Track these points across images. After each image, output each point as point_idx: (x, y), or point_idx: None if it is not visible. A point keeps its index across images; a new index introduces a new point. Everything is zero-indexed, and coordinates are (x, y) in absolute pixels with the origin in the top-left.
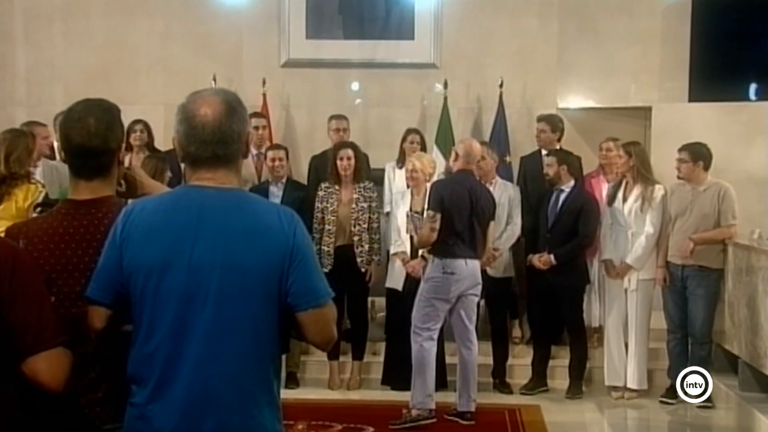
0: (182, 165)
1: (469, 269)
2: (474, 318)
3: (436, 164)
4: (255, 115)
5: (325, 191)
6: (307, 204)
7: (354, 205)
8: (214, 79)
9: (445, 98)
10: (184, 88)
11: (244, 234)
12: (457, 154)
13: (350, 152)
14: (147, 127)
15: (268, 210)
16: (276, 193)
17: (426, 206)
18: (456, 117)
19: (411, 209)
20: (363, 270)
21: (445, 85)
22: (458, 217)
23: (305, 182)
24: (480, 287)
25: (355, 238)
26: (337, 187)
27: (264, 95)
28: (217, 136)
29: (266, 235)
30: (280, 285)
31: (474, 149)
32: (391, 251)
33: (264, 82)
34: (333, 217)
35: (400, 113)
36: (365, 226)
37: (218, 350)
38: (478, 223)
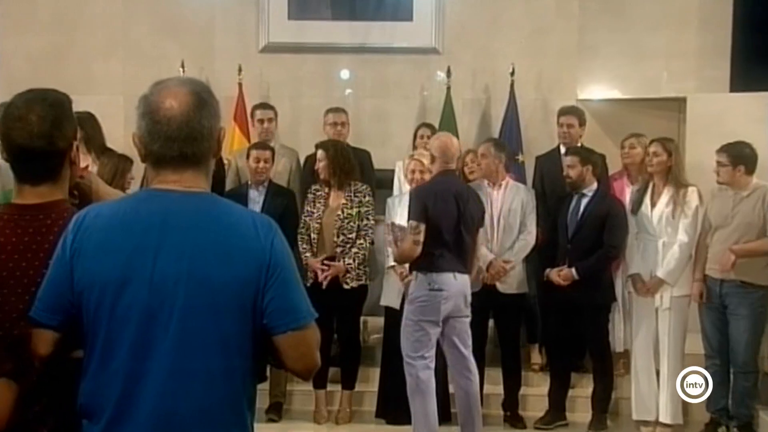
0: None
1: (458, 285)
2: (469, 342)
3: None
4: (261, 106)
5: (313, 194)
6: (291, 211)
7: (340, 212)
8: (183, 66)
9: (448, 88)
10: (147, 76)
11: (214, 245)
12: (433, 156)
13: (320, 153)
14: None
15: (241, 218)
16: (256, 198)
17: (407, 216)
18: (461, 110)
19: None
20: (347, 287)
21: (449, 73)
22: (445, 225)
23: (287, 186)
24: (469, 306)
25: (338, 250)
26: (326, 191)
27: (240, 85)
28: (185, 132)
29: (239, 247)
30: (255, 304)
31: (451, 147)
32: (386, 264)
33: (240, 70)
34: (317, 225)
35: (396, 105)
36: (352, 236)
37: (184, 377)
38: (467, 231)
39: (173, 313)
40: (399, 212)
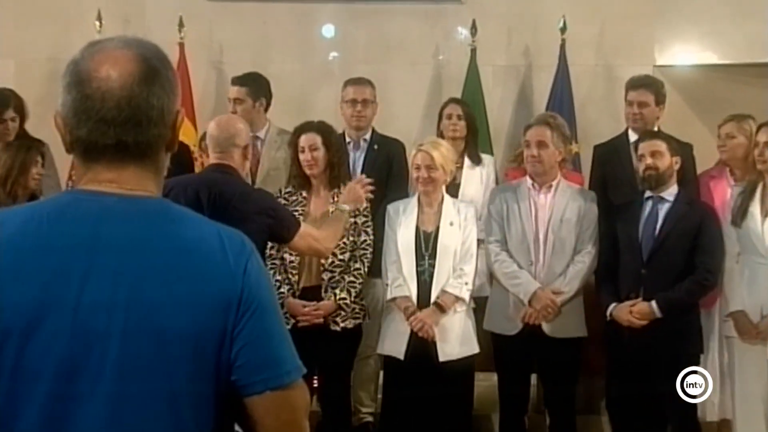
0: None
1: None
2: None
3: (455, 156)
4: (237, 81)
5: (285, 200)
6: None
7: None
8: (99, 20)
9: (473, 51)
10: (48, 35)
11: (164, 272)
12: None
13: (315, 139)
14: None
15: (204, 234)
16: None
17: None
18: (490, 80)
19: (419, 229)
20: (336, 329)
21: (473, 31)
22: None
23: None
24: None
25: (325, 276)
26: (303, 194)
27: (180, 45)
28: (126, 112)
29: (200, 275)
30: (221, 353)
31: (228, 130)
32: (387, 296)
33: (180, 24)
34: None
35: (400, 75)
36: (344, 257)
37: None
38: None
39: (104, 366)
40: (403, 222)
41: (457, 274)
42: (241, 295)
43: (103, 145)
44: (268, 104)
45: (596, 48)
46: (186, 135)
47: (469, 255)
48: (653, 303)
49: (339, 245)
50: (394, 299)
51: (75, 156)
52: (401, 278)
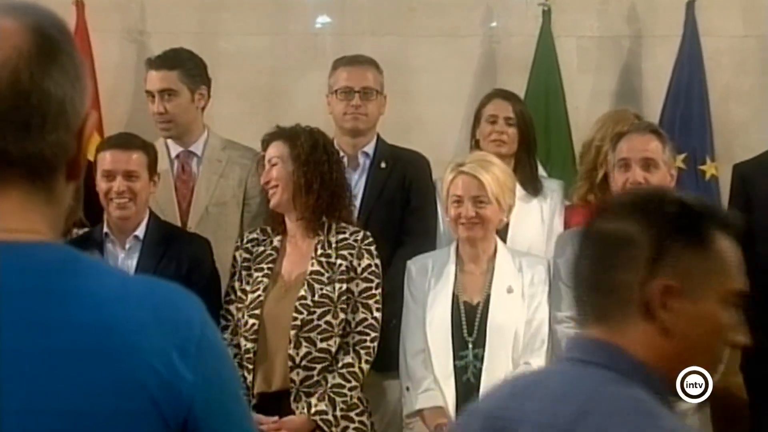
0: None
1: None
2: None
3: (515, 181)
4: (158, 62)
5: (248, 250)
6: (205, 278)
7: (306, 289)
8: None
9: (547, 14)
10: None
11: (68, 357)
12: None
13: (279, 149)
14: None
15: (130, 297)
16: (120, 255)
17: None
18: (573, 60)
19: (459, 300)
20: None
21: None
22: None
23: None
24: None
25: (296, 376)
26: (275, 243)
27: (78, 5)
28: (6, 103)
29: (125, 360)
30: None
31: None
32: (407, 406)
33: None
34: (253, 322)
35: (427, 52)
36: (329, 345)
37: None
38: None
39: None
40: (434, 289)
41: (519, 371)
42: (190, 392)
43: None
44: (207, 99)
45: (744, 10)
46: (91, 146)
47: (539, 341)
48: None
49: (320, 326)
50: (419, 412)
51: None
52: (430, 378)
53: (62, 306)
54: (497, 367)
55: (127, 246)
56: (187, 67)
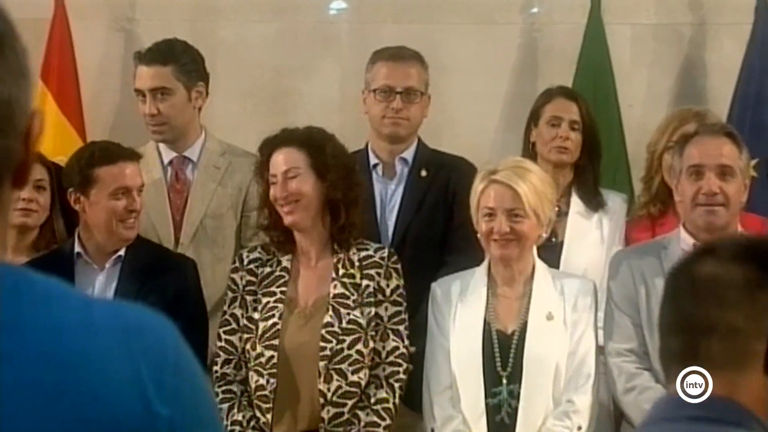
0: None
1: None
2: None
3: (555, 191)
4: (149, 56)
5: (252, 272)
6: (191, 308)
7: (331, 314)
8: None
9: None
10: None
11: (21, 397)
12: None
13: (295, 158)
14: None
15: (93, 326)
16: (98, 278)
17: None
18: (626, 52)
19: (490, 328)
20: None
21: None
22: None
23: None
24: None
25: (326, 414)
26: (284, 263)
27: None
28: None
29: (87, 401)
30: None
31: None
32: None
33: None
34: (270, 354)
35: (458, 42)
36: (360, 378)
37: None
38: None
39: None
40: (462, 316)
41: (561, 411)
42: None
43: None
44: (205, 97)
45: None
46: (71, 151)
47: (583, 376)
48: None
49: (351, 356)
50: None
51: None
52: (459, 419)
53: (13, 337)
54: (535, 406)
55: (107, 267)
56: (182, 61)
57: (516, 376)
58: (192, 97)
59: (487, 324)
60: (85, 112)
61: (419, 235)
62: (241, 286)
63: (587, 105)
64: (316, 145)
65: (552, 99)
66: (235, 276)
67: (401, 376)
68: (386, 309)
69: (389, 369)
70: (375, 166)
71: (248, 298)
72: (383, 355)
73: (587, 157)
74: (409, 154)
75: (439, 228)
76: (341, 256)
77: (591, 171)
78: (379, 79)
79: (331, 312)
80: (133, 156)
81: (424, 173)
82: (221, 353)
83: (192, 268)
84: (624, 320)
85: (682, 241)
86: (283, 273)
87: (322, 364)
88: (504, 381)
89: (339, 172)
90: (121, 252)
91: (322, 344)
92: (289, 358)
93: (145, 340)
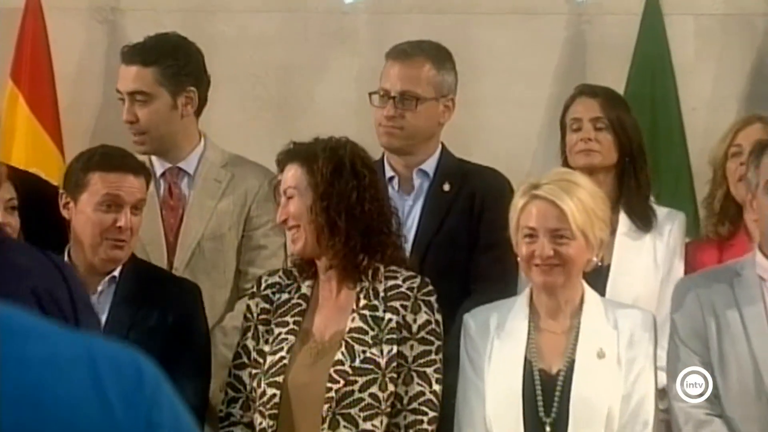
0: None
1: None
2: None
3: (609, 208)
4: (133, 54)
5: (267, 303)
6: (196, 337)
7: (343, 352)
8: None
9: None
10: None
11: None
12: None
13: (294, 174)
14: None
15: (59, 356)
16: (92, 301)
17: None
18: (688, 49)
19: (533, 367)
20: None
21: None
22: None
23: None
24: None
25: None
26: (303, 290)
27: None
28: None
29: None
30: None
31: None
32: None
33: None
34: (273, 392)
35: (492, 37)
36: (379, 420)
37: None
38: None
39: None
40: (500, 353)
41: None
42: None
43: None
44: (203, 102)
45: None
46: (46, 162)
47: (640, 423)
48: None
49: (363, 400)
50: None
51: None
52: None
53: None
54: None
55: (99, 289)
56: (168, 62)
57: (561, 423)
58: (179, 104)
59: (528, 362)
60: (62, 117)
61: (440, 259)
62: (255, 315)
63: (616, 100)
64: (315, 159)
65: (574, 100)
66: (251, 303)
67: (425, 426)
68: (412, 348)
69: (411, 417)
70: (391, 179)
71: (261, 328)
72: (405, 401)
73: (626, 160)
74: (429, 165)
75: (464, 251)
76: (366, 285)
77: (634, 178)
78: (381, 80)
79: (343, 349)
80: (140, 169)
81: (447, 187)
82: (229, 390)
83: (196, 294)
84: (692, 359)
85: (758, 267)
86: (300, 301)
87: (326, 407)
88: (547, 429)
89: (340, 191)
90: (116, 273)
91: (329, 385)
92: (291, 399)
93: (119, 378)
